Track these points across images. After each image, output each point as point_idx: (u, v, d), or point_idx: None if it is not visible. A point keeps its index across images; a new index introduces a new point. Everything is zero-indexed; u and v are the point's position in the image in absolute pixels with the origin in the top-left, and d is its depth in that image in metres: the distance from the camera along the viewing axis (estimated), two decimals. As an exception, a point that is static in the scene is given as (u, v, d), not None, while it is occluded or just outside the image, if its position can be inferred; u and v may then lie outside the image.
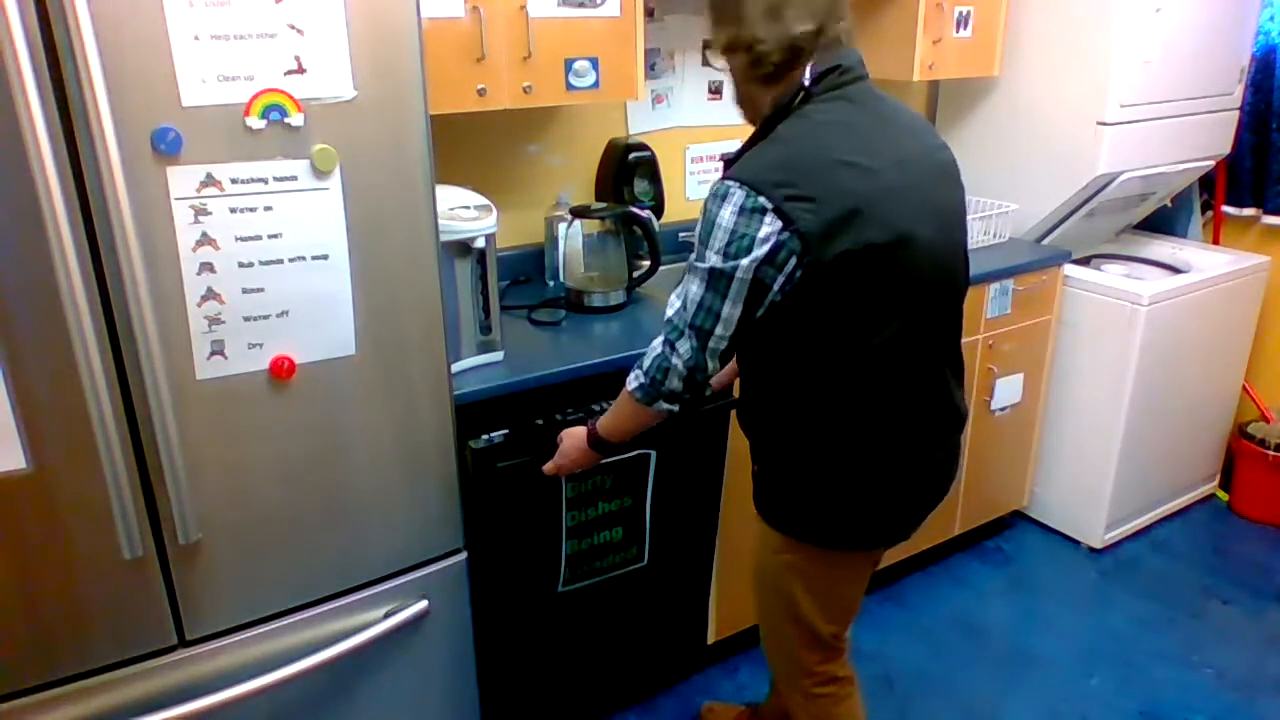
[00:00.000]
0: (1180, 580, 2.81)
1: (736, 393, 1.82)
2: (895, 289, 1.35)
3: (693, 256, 1.35)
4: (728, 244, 1.28)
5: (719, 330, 1.34)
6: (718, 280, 1.31)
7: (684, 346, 1.36)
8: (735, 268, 1.29)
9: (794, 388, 1.42)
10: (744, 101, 1.46)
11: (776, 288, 1.30)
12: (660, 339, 1.40)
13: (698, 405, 1.47)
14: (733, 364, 1.63)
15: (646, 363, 1.42)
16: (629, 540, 1.96)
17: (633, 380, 1.45)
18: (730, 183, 1.29)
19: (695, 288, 1.34)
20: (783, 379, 1.43)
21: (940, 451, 1.51)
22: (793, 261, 1.28)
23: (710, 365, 1.38)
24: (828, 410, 1.41)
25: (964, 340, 2.52)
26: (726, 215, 1.28)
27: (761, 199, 1.26)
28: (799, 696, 1.69)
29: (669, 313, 1.39)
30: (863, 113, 1.36)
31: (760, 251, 1.27)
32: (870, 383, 1.38)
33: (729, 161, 1.43)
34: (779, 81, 1.37)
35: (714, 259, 1.30)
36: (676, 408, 1.44)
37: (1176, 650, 2.49)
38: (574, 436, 1.62)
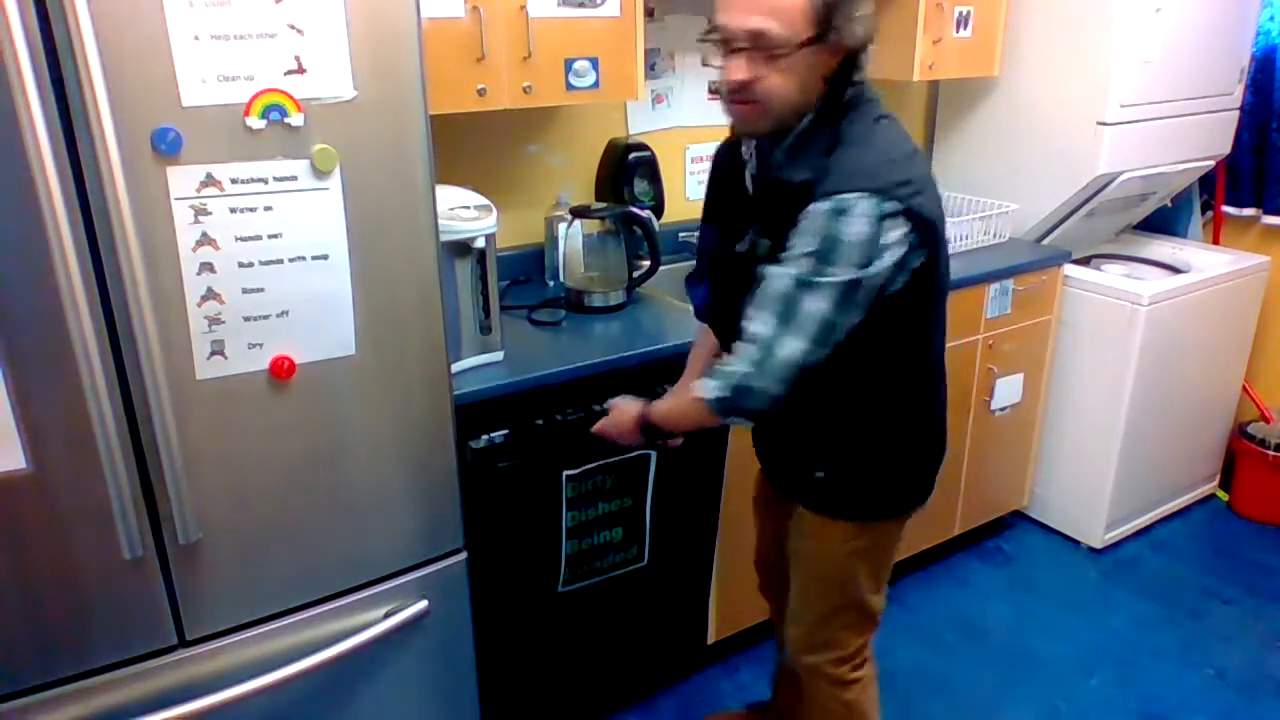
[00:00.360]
0: (1180, 580, 2.81)
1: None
2: (946, 262, 1.44)
3: (802, 274, 1.27)
4: (863, 254, 1.26)
5: (835, 339, 1.30)
6: (852, 291, 1.27)
7: (778, 368, 1.30)
8: (875, 274, 1.27)
9: (878, 376, 1.46)
10: (792, 104, 1.32)
11: (896, 286, 1.32)
12: (745, 358, 1.32)
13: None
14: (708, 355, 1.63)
15: (730, 378, 1.34)
16: (629, 540, 1.96)
17: (711, 390, 1.36)
18: (847, 195, 1.25)
19: (821, 304, 1.27)
20: (869, 372, 1.45)
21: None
22: (917, 256, 1.31)
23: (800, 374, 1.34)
24: (903, 390, 1.49)
25: (964, 340, 2.56)
26: (855, 228, 1.25)
27: (891, 203, 1.25)
28: (831, 686, 1.69)
29: (763, 331, 1.30)
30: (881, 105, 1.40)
31: (896, 255, 1.28)
32: (931, 355, 1.50)
33: (790, 160, 1.34)
34: (831, 80, 1.35)
35: (849, 272, 1.26)
36: (750, 424, 1.42)
37: (1176, 650, 2.49)
38: (625, 411, 1.59)
